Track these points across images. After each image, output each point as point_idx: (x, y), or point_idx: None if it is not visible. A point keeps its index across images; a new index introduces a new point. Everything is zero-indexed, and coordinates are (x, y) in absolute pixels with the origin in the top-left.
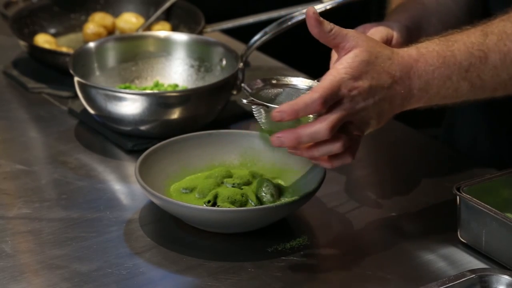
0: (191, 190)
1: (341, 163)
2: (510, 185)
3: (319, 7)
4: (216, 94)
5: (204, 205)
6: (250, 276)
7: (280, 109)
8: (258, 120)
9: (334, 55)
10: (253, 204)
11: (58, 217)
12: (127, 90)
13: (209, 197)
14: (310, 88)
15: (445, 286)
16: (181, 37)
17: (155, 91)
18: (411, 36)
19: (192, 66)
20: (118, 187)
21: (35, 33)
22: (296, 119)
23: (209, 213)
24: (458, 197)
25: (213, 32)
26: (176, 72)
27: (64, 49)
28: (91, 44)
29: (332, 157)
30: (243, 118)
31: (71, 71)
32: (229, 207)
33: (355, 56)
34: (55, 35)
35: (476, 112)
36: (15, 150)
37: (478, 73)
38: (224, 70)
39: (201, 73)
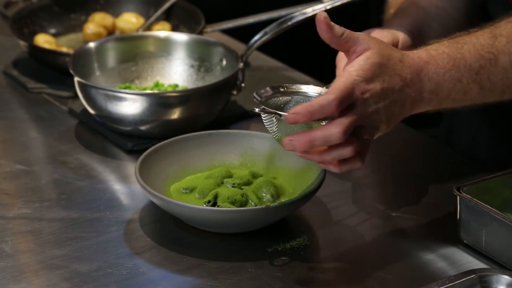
0: (191, 190)
1: (350, 167)
2: (510, 185)
3: (319, 7)
4: (216, 94)
5: (204, 205)
6: (250, 276)
7: (295, 111)
8: (269, 129)
9: (339, 61)
10: (253, 204)
11: (58, 217)
12: (127, 90)
13: (209, 197)
14: (319, 95)
15: (445, 286)
16: (181, 37)
17: (155, 91)
18: (414, 41)
19: (192, 66)
20: (118, 187)
21: (35, 33)
22: (308, 126)
23: (209, 213)
24: (458, 197)
25: (213, 32)
26: (176, 72)
27: (64, 49)
28: (91, 44)
29: (341, 161)
30: (243, 118)
31: (71, 71)
32: (229, 207)
33: (367, 59)
34: (55, 35)
35: (475, 113)
36: (15, 150)
37: (488, 76)
38: (224, 70)
39: (201, 73)
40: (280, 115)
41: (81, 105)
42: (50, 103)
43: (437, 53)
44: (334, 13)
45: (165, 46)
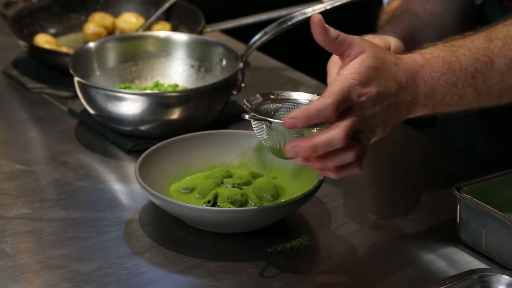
0: (191, 190)
1: (348, 173)
2: (510, 185)
3: (319, 7)
4: (216, 94)
5: (204, 205)
6: (250, 276)
7: (292, 115)
8: (259, 136)
9: (330, 69)
10: (253, 204)
11: (58, 217)
12: (127, 90)
13: (209, 197)
14: (310, 102)
15: (445, 286)
16: (181, 37)
17: (155, 91)
18: (407, 47)
19: (192, 66)
20: (118, 187)
21: (35, 33)
22: (299, 134)
23: (209, 213)
24: (458, 197)
25: (213, 32)
26: (176, 72)
27: (64, 49)
28: (91, 44)
29: (340, 167)
30: (243, 118)
31: (71, 71)
32: (229, 207)
33: (362, 62)
34: (55, 35)
35: (471, 113)
36: (15, 150)
37: (484, 79)
38: (224, 70)
39: (201, 73)
40: (271, 122)
41: (81, 105)
42: (50, 103)
43: (432, 57)
44: (334, 13)
45: (165, 46)
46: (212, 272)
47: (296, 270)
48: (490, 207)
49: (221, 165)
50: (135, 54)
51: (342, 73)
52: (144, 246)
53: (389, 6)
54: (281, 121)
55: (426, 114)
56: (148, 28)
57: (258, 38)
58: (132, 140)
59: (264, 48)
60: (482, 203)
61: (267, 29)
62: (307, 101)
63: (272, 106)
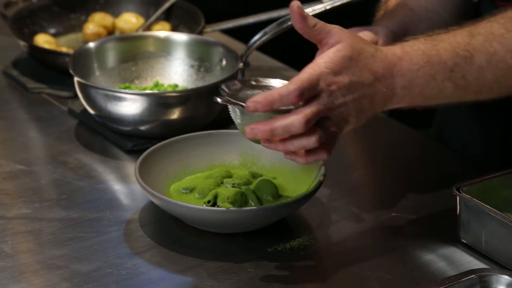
0: (191, 190)
1: (316, 158)
2: (510, 185)
3: (319, 7)
4: (216, 94)
5: (204, 205)
6: (250, 276)
7: (254, 100)
8: (234, 120)
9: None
10: (253, 204)
11: (58, 217)
12: (127, 90)
13: (209, 197)
14: None
15: (445, 286)
16: (181, 37)
17: (155, 91)
18: (398, 41)
19: (192, 66)
20: (118, 187)
21: (35, 33)
22: (270, 117)
23: (209, 213)
24: (458, 197)
25: (213, 32)
26: (176, 72)
27: (64, 49)
28: (91, 44)
29: (308, 152)
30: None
31: (71, 71)
32: (229, 207)
33: (338, 51)
34: (55, 35)
35: (466, 114)
36: (15, 150)
37: (463, 74)
38: (224, 70)
39: (201, 73)
40: (243, 107)
41: (81, 105)
42: (50, 103)
43: (412, 49)
44: (334, 13)
45: (165, 46)
46: (212, 272)
47: (296, 270)
48: (490, 207)
49: (221, 165)
50: (135, 54)
51: (316, 61)
52: (144, 246)
53: (386, 2)
54: (244, 104)
55: (405, 107)
56: (148, 28)
57: (258, 38)
58: (132, 140)
59: (264, 48)
60: (482, 203)
61: (267, 29)
62: None
63: (251, 92)
